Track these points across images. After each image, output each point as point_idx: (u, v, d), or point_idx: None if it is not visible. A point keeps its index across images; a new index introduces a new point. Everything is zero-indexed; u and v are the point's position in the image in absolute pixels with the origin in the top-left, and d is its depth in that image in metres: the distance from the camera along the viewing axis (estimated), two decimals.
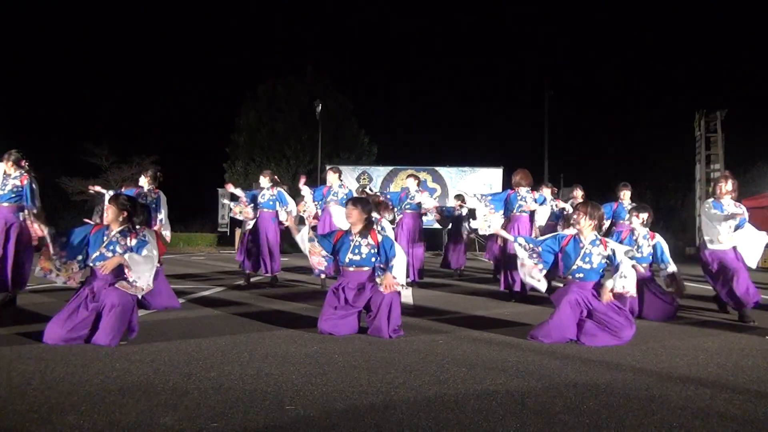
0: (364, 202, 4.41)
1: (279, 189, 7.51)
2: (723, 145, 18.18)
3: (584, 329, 3.84)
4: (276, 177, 7.71)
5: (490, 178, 19.71)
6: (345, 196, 7.25)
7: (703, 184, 18.57)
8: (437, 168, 19.72)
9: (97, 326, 3.57)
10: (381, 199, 5.93)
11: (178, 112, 35.86)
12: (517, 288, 6.28)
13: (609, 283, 3.94)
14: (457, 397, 2.59)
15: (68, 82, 34.81)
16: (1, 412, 2.33)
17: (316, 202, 7.57)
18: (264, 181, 7.53)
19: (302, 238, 4.36)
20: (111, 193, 5.87)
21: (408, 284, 7.18)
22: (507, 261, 6.37)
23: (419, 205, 7.84)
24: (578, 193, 8.32)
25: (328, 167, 9.93)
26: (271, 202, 7.45)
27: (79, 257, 3.82)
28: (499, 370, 3.09)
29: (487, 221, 6.36)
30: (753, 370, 3.22)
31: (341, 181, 7.76)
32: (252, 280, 7.52)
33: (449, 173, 19.88)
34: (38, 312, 4.82)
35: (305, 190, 7.57)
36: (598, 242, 4.08)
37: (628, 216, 5.89)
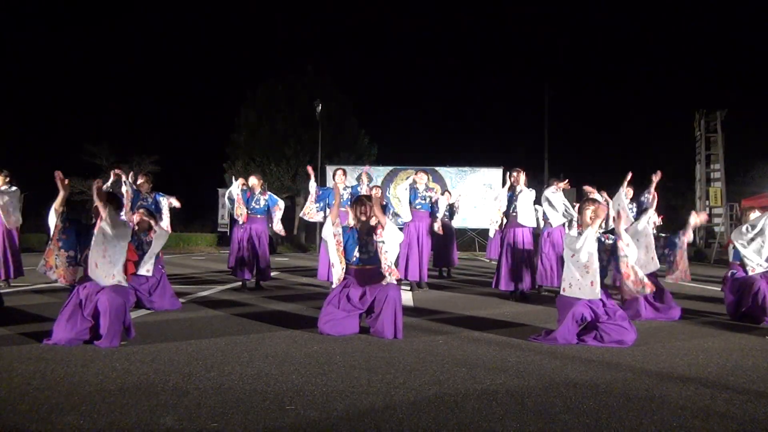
0: (373, 199, 4.41)
1: (269, 192, 7.33)
2: (723, 145, 18.20)
3: (587, 334, 3.84)
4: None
5: (490, 178, 19.70)
6: (350, 197, 7.10)
7: (703, 184, 18.57)
8: (437, 168, 19.70)
9: (97, 327, 3.57)
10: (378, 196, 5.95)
11: (178, 112, 35.97)
12: (515, 288, 6.30)
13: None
14: (457, 397, 2.59)
15: (68, 83, 34.89)
16: (1, 412, 2.33)
17: (317, 203, 7.40)
18: (257, 185, 7.22)
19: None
20: (127, 177, 5.94)
21: (413, 284, 7.18)
22: (507, 261, 6.38)
23: (431, 205, 7.38)
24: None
25: (330, 167, 9.70)
26: (265, 207, 7.24)
27: (71, 252, 3.75)
28: (499, 370, 3.08)
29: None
30: (753, 370, 3.22)
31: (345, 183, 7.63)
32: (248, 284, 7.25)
33: (449, 173, 19.86)
34: (38, 312, 4.82)
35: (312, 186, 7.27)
36: (602, 238, 4.01)
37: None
